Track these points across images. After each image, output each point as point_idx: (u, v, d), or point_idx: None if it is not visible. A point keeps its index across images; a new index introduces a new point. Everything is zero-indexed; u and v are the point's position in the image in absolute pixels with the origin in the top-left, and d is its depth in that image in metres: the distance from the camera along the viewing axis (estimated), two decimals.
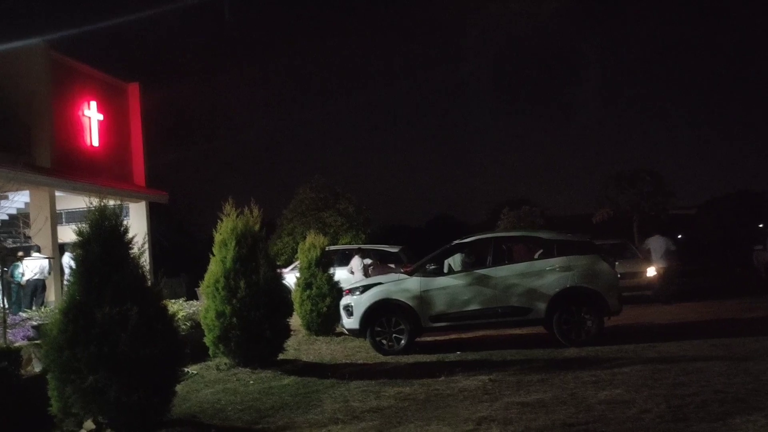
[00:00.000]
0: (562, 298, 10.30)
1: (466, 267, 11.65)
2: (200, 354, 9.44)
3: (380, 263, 17.30)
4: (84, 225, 6.18)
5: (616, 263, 12.18)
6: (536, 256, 11.12)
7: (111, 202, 6.46)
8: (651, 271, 16.82)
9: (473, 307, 10.50)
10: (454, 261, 13.42)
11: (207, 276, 9.30)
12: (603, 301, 10.31)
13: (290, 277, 15.70)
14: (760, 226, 24.61)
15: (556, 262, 10.54)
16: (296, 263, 16.19)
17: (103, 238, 6.11)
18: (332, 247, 17.86)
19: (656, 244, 16.57)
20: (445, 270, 11.55)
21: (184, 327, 9.95)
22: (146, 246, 6.85)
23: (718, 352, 8.80)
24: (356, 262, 16.03)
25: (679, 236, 21.02)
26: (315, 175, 28.82)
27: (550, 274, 10.45)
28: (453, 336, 11.71)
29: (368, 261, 16.33)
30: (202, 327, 9.26)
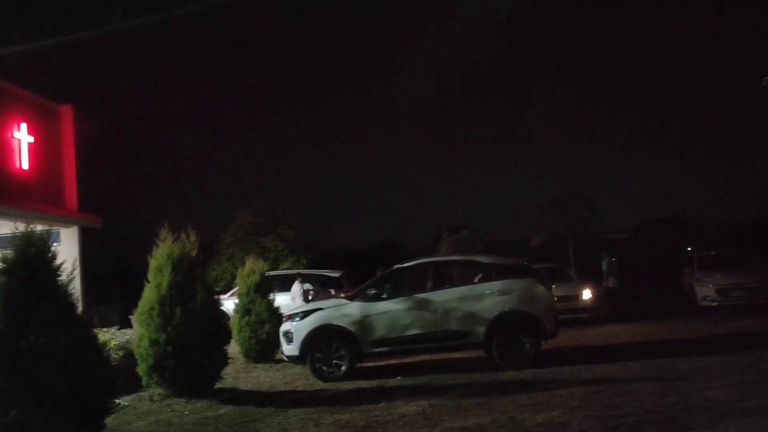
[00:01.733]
0: (501, 322, 10.43)
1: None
2: (133, 384, 9.11)
3: (321, 288, 17.17)
4: (8, 251, 5.93)
5: (553, 287, 12.44)
6: (476, 280, 11.25)
7: (39, 227, 6.23)
8: (587, 294, 17.27)
9: (414, 331, 10.52)
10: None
11: (141, 303, 9.04)
12: (540, 324, 10.48)
13: (229, 304, 15.41)
14: (689, 249, 25.54)
15: (494, 285, 10.69)
16: (235, 289, 15.91)
17: (28, 265, 5.87)
18: (272, 273, 17.64)
19: (611, 265, 17.41)
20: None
21: (116, 356, 9.61)
22: (76, 272, 6.60)
23: (651, 373, 9.04)
24: (296, 287, 15.87)
25: (613, 259, 21.59)
26: (255, 200, 28.48)
27: (488, 297, 10.58)
28: (394, 361, 11.68)
29: (308, 286, 16.20)
30: (135, 356, 8.97)
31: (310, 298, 15.65)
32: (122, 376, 8.29)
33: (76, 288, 6.51)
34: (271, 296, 13.56)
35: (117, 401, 7.66)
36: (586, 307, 17.10)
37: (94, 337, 6.18)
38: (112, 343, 10.01)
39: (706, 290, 17.82)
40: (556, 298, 11.91)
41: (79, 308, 6.24)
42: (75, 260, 7.09)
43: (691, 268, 19.40)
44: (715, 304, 17.45)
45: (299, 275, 17.06)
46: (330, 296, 14.72)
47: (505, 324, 10.44)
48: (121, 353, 9.97)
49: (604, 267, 18.05)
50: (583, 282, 18.15)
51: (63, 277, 6.11)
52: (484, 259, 11.73)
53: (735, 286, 17.52)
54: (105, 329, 11.07)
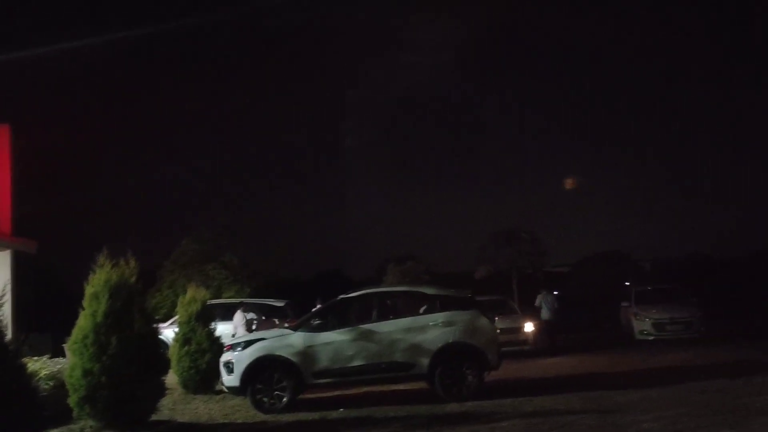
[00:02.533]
0: (444, 354, 10.45)
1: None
2: (64, 416, 8.73)
3: (265, 318, 16.91)
4: None
5: (496, 319, 12.57)
6: (420, 311, 11.26)
7: None
8: (529, 327, 17.51)
9: (357, 362, 10.45)
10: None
11: (75, 331, 8.67)
12: (483, 356, 10.55)
13: (169, 332, 15.02)
14: (627, 284, 26.22)
15: (438, 317, 10.72)
16: (176, 317, 15.52)
17: None
18: (214, 301, 17.30)
19: (546, 299, 17.78)
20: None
21: (45, 387, 9.19)
22: (6, 298, 6.35)
23: (589, 406, 9.18)
24: (238, 316, 15.59)
25: (555, 293, 21.95)
26: (200, 227, 28.04)
27: (433, 329, 10.61)
28: (337, 392, 11.55)
29: (252, 315, 15.93)
30: (67, 387, 8.61)
31: (253, 327, 15.38)
32: (52, 407, 7.93)
33: (5, 314, 6.25)
34: (213, 325, 13.29)
35: None
36: (527, 340, 17.33)
37: (23, 367, 5.94)
38: (43, 372, 9.58)
39: (643, 324, 18.31)
40: (498, 330, 12.03)
41: (8, 336, 5.98)
42: (5, 285, 6.81)
43: (629, 302, 19.90)
44: (652, 338, 17.93)
45: (242, 304, 16.76)
46: (274, 326, 14.53)
47: (449, 355, 10.46)
48: (51, 384, 9.55)
49: (537, 302, 18.41)
50: (525, 315, 18.41)
51: None
52: (428, 291, 11.77)
53: (670, 321, 18.07)
54: (36, 358, 10.63)
